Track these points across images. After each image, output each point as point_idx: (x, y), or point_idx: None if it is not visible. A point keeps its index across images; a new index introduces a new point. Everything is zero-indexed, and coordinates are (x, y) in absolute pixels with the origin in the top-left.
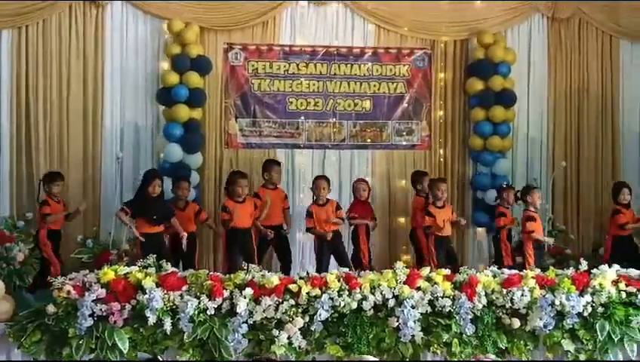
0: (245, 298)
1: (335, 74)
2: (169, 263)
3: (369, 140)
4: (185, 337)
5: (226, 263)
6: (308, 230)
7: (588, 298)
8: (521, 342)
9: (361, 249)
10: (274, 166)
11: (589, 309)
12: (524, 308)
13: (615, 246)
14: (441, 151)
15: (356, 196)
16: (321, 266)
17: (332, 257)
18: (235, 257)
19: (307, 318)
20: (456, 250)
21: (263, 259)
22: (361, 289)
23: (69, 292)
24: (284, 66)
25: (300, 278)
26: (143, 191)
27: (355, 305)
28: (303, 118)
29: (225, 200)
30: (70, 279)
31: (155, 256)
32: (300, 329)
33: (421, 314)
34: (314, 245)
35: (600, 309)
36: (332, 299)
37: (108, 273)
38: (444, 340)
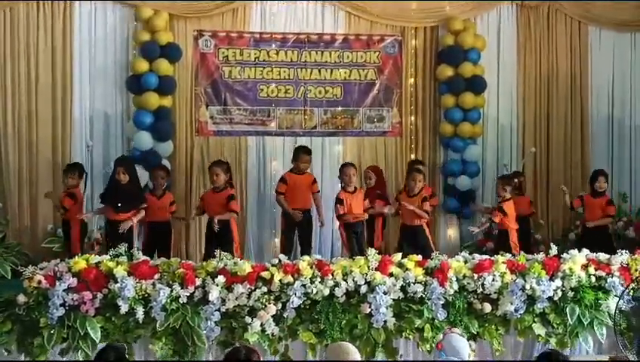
0: (218, 286)
1: (306, 61)
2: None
3: (340, 127)
4: (157, 325)
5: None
6: (339, 217)
7: (558, 282)
8: (493, 326)
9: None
10: (301, 155)
11: (559, 293)
12: (495, 292)
13: (584, 235)
14: (412, 138)
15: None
16: (353, 253)
17: None
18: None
19: (280, 305)
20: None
21: (293, 243)
22: (333, 275)
23: (39, 281)
24: (255, 54)
25: (272, 265)
26: (111, 178)
27: (327, 292)
28: (273, 105)
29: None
30: (41, 268)
31: (121, 243)
32: (272, 317)
33: (393, 300)
34: (340, 233)
35: (570, 293)
36: (304, 285)
37: (79, 262)
38: (416, 326)
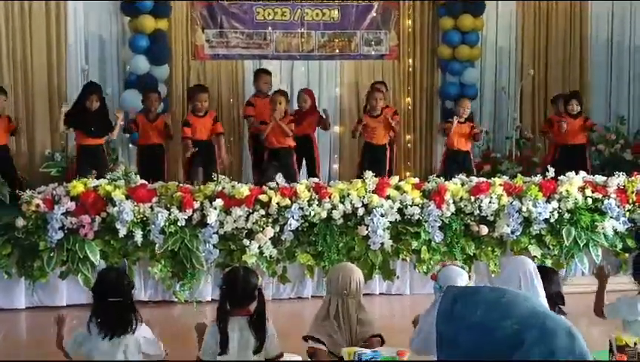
0: (216, 209)
1: None
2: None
3: (337, 50)
4: (156, 248)
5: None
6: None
7: (554, 204)
8: (489, 248)
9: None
10: (262, 75)
11: (556, 215)
12: (491, 215)
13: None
14: (410, 61)
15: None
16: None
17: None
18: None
19: (277, 228)
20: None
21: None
22: (330, 198)
23: (38, 205)
24: None
25: (270, 188)
26: (80, 104)
27: (324, 215)
28: (270, 28)
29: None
30: (39, 192)
31: (93, 168)
32: (270, 239)
33: (390, 222)
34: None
35: (566, 215)
36: (302, 208)
37: (77, 186)
38: (413, 247)
